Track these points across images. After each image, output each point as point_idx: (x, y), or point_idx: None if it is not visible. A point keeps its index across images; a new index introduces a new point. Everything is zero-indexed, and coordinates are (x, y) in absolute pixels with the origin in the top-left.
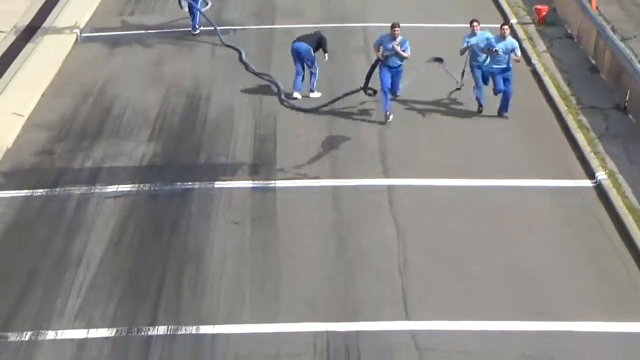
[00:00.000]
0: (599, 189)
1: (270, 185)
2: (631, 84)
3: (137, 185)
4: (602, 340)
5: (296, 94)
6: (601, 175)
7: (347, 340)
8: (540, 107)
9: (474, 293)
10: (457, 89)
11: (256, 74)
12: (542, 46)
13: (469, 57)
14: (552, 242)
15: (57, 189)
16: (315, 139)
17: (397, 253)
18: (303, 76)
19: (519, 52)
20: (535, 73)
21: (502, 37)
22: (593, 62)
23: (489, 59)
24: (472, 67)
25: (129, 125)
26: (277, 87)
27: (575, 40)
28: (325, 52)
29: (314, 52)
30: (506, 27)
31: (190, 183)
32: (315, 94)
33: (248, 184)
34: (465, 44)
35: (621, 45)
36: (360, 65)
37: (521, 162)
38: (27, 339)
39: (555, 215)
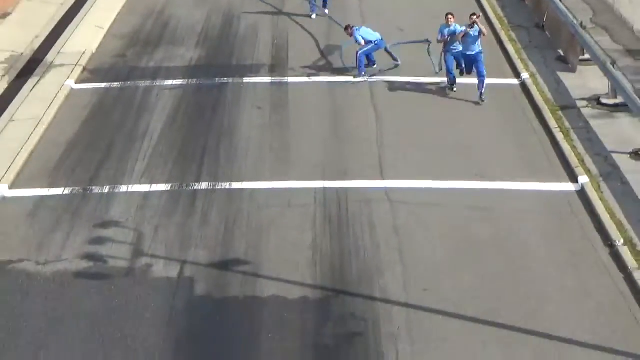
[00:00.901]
0: (524, 85)
1: (283, 81)
2: (547, 9)
3: (186, 80)
4: (525, 195)
5: (313, 15)
6: (525, 75)
7: (339, 194)
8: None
9: (432, 161)
10: (435, 72)
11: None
12: None
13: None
14: (487, 123)
15: (129, 82)
16: (317, 48)
17: (376, 131)
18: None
19: (484, 29)
20: (477, 1)
21: (471, 25)
22: None
23: (461, 46)
24: (445, 52)
25: (181, 36)
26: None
27: None
28: None
29: None
30: (474, 16)
31: (225, 78)
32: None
33: (267, 79)
34: (441, 35)
35: None
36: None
37: None
38: (106, 191)
39: (490, 104)
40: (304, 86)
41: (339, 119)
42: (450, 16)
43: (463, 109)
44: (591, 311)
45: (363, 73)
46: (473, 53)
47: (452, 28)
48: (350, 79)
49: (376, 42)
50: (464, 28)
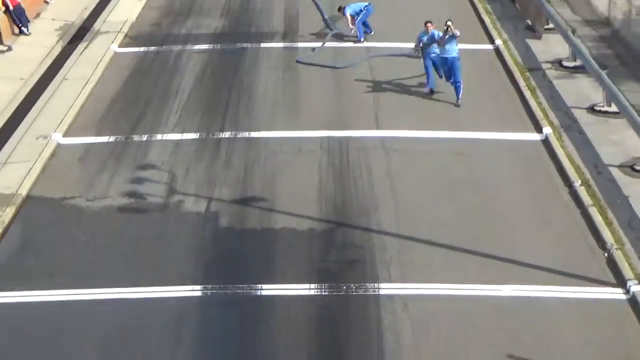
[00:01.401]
0: (497, 50)
1: (294, 46)
2: None
3: (212, 45)
4: (497, 143)
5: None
6: (498, 41)
7: (341, 142)
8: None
9: (419, 114)
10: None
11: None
12: None
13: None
14: (466, 82)
15: (163, 47)
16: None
17: (373, 90)
18: None
19: (458, 32)
20: None
21: (446, 31)
22: None
23: (438, 50)
24: (424, 58)
25: (207, 9)
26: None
27: None
28: None
29: None
30: (449, 22)
31: (245, 44)
32: None
33: (281, 44)
34: (417, 41)
35: None
36: None
37: None
38: (144, 139)
39: (469, 67)
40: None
41: (341, 79)
42: (429, 24)
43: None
44: (552, 240)
45: (362, 39)
46: (450, 57)
47: (430, 35)
48: (350, 44)
49: (366, 8)
50: (443, 34)
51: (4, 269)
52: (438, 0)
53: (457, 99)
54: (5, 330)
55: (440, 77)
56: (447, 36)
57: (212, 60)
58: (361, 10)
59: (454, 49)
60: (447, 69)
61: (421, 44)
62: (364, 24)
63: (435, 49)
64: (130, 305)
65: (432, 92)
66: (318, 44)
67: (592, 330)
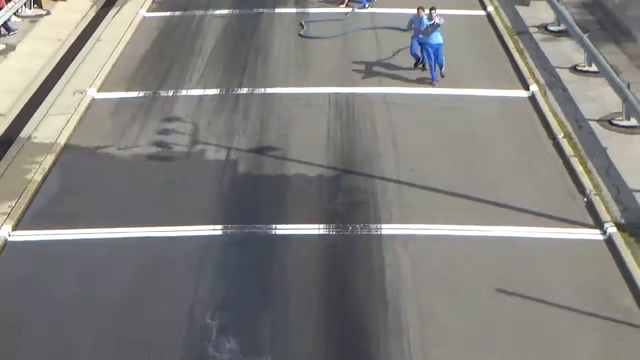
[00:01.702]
0: (489, 16)
1: (305, 11)
2: None
3: (231, 10)
4: (488, 99)
5: None
6: (490, 8)
7: (347, 97)
8: None
9: (418, 75)
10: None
11: None
12: None
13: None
14: (461, 44)
15: (187, 12)
16: None
17: (376, 50)
18: None
19: (442, 21)
20: None
21: (431, 18)
22: None
23: (422, 36)
24: (412, 38)
25: None
26: None
27: None
28: None
29: None
30: (434, 11)
31: (261, 9)
32: None
33: (293, 10)
34: (408, 24)
35: None
36: None
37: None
38: (170, 94)
39: (464, 30)
40: (321, 15)
41: (348, 41)
42: (420, 10)
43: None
44: (537, 187)
45: (366, 5)
46: (434, 43)
47: (419, 21)
48: (355, 10)
49: None
50: (430, 22)
51: (45, 210)
52: None
53: (441, 73)
54: (47, 265)
55: (425, 59)
56: (431, 24)
57: (231, 23)
58: None
59: (438, 37)
60: (432, 53)
61: (412, 25)
62: None
63: (421, 35)
64: (159, 242)
65: (416, 65)
66: (325, 10)
67: (572, 267)
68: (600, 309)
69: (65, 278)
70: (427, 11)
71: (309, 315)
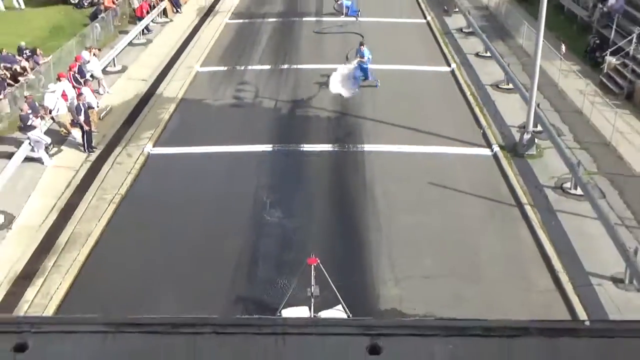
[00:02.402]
0: (428, 23)
1: (321, 19)
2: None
3: (277, 18)
4: (427, 72)
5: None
6: (429, 18)
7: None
8: None
9: (396, 53)
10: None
11: None
12: None
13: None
14: (414, 41)
15: (251, 19)
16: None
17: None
18: None
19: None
20: None
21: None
22: None
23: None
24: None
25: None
26: None
27: None
28: None
29: None
30: (362, 47)
31: (294, 18)
32: None
33: (313, 18)
34: (357, 53)
35: None
36: None
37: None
38: (242, 69)
39: (413, 32)
40: (331, 23)
41: (348, 40)
42: (362, 46)
43: (404, 32)
44: (454, 122)
45: (357, 16)
46: (365, 66)
47: (359, 51)
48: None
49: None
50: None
51: (171, 136)
52: None
53: (376, 84)
54: (171, 165)
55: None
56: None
57: (277, 27)
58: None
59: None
60: (363, 70)
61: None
62: (351, 8)
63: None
64: (236, 154)
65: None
66: (333, 19)
67: (472, 170)
68: (487, 193)
69: (182, 173)
70: (364, 46)
71: (322, 195)
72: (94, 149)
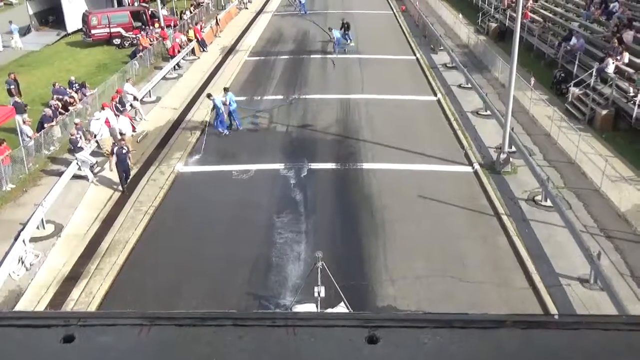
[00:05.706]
0: (417, 60)
1: (326, 56)
2: (427, 29)
3: (288, 55)
4: (417, 101)
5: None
6: (418, 55)
7: (346, 101)
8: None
9: (390, 85)
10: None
11: None
12: (401, 18)
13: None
14: (404, 73)
15: (267, 57)
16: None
17: (360, 72)
18: None
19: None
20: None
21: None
22: (417, 23)
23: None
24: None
25: (285, 40)
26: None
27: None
28: None
29: None
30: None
31: (304, 55)
32: None
33: (320, 55)
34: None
35: (423, 15)
36: None
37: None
38: (259, 98)
39: (403, 67)
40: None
41: (343, 69)
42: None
43: (397, 67)
44: (439, 144)
45: (349, 42)
46: (231, 108)
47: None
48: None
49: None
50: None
51: (196, 156)
52: (389, 40)
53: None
54: (197, 182)
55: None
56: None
57: (288, 62)
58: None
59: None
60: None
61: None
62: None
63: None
64: (254, 171)
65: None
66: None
67: (457, 185)
68: (470, 205)
69: (207, 188)
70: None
71: (328, 205)
72: (125, 190)
